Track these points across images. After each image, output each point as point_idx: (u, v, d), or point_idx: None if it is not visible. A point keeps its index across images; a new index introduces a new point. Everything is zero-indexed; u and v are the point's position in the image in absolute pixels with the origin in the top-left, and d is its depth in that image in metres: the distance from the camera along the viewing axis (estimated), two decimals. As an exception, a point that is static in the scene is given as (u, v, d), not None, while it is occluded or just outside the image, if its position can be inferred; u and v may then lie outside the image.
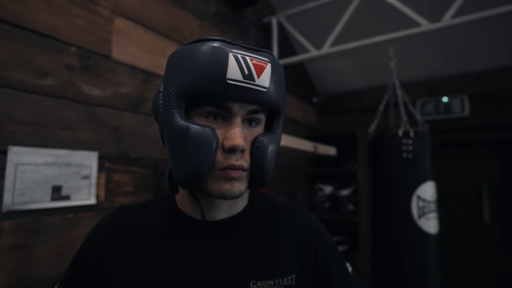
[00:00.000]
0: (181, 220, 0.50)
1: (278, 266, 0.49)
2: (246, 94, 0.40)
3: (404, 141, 1.44)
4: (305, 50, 2.13)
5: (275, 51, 2.14)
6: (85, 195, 1.08)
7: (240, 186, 0.43)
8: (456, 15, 1.54)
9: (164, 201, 0.54)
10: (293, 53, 2.48)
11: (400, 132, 1.46)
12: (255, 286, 0.46)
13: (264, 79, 0.41)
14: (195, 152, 0.40)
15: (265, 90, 0.41)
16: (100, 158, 1.12)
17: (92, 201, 1.09)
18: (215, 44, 0.40)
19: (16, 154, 0.91)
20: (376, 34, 1.74)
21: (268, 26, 2.20)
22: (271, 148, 0.45)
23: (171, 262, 0.46)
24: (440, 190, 2.44)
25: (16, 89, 0.92)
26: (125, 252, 0.47)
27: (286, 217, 0.56)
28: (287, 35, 2.41)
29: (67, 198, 1.03)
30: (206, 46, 0.40)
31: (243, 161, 0.42)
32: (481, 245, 2.32)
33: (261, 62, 0.41)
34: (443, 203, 2.46)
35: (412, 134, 1.44)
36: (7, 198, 0.88)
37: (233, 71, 0.39)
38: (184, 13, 1.55)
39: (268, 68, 0.42)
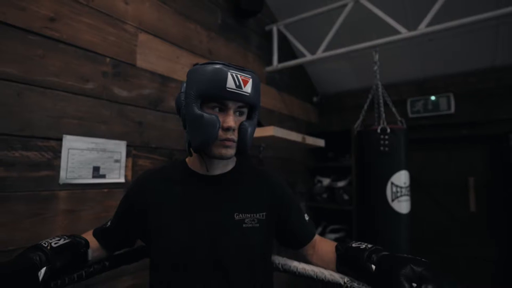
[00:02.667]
0: (191, 174, 0.78)
1: (253, 205, 0.76)
2: (237, 97, 0.67)
3: (382, 136, 1.67)
4: (303, 55, 2.38)
5: (275, 56, 2.40)
6: (116, 175, 1.37)
7: (231, 151, 0.70)
8: (430, 24, 1.75)
9: (178, 164, 0.82)
10: (294, 57, 2.72)
11: (379, 129, 1.69)
12: (237, 216, 0.73)
13: (248, 88, 0.68)
14: (206, 130, 0.66)
15: (248, 94, 0.68)
16: (128, 146, 1.41)
17: (122, 179, 1.38)
18: (219, 66, 0.66)
19: (68, 141, 1.20)
20: (363, 41, 1.98)
21: (270, 34, 2.46)
22: (250, 129, 0.72)
23: (185, 198, 0.74)
24: (429, 182, 2.66)
25: (68, 92, 1.21)
26: (154, 192, 0.75)
27: (261, 176, 0.83)
28: (287, 41, 2.66)
29: (103, 176, 1.32)
30: (214, 67, 0.66)
31: (234, 136, 0.69)
32: (467, 233, 2.51)
33: (246, 78, 0.68)
34: (432, 193, 2.66)
35: (388, 130, 1.67)
36: (62, 173, 1.18)
37: (230, 83, 0.65)
38: (195, 26, 1.83)
39: (250, 81, 0.68)
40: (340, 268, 0.73)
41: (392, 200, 1.62)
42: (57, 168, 1.17)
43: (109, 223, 0.83)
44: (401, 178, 1.65)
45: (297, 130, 2.78)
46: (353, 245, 0.71)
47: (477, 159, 2.52)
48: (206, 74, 0.66)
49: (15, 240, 1.05)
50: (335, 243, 0.78)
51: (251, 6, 2.06)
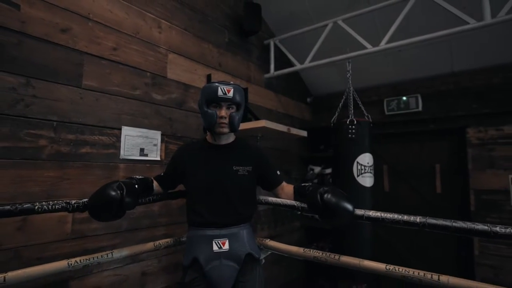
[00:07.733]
0: (207, 144, 1.34)
1: (244, 162, 1.31)
2: (224, 99, 1.23)
3: (350, 126, 2.19)
4: (294, 64, 2.92)
5: (272, 65, 2.95)
6: (155, 155, 1.94)
7: (225, 129, 1.25)
8: (389, 41, 2.27)
9: (201, 140, 1.39)
10: (288, 65, 3.26)
11: (348, 121, 2.22)
12: (234, 168, 1.28)
13: (231, 94, 1.23)
14: (210, 118, 1.22)
15: (231, 97, 1.23)
16: (162, 135, 1.98)
17: (158, 158, 1.95)
18: (216, 84, 1.23)
19: (125, 130, 1.77)
20: (341, 53, 2.50)
21: (267, 47, 3.01)
22: (237, 117, 1.27)
23: (205, 158, 1.30)
24: (404, 168, 3.15)
25: (124, 97, 1.79)
26: (188, 155, 1.32)
27: (249, 146, 1.38)
28: (282, 53, 3.20)
29: (146, 155, 1.89)
30: (213, 85, 1.23)
31: (226, 121, 1.24)
32: (434, 210, 3.00)
33: (229, 88, 1.23)
34: (406, 178, 3.16)
35: (355, 122, 2.19)
36: (122, 152, 1.75)
37: (219, 92, 1.21)
38: (208, 45, 2.39)
39: (232, 89, 1.24)
40: (296, 197, 1.28)
41: (357, 176, 2.14)
42: (118, 148, 1.74)
43: (162, 173, 1.40)
44: (365, 159, 2.18)
45: (292, 126, 3.32)
46: (302, 184, 1.26)
47: (442, 149, 3.01)
48: (209, 89, 1.23)
49: (96, 193, 1.62)
50: (294, 185, 1.33)
51: (252, 27, 2.61)
